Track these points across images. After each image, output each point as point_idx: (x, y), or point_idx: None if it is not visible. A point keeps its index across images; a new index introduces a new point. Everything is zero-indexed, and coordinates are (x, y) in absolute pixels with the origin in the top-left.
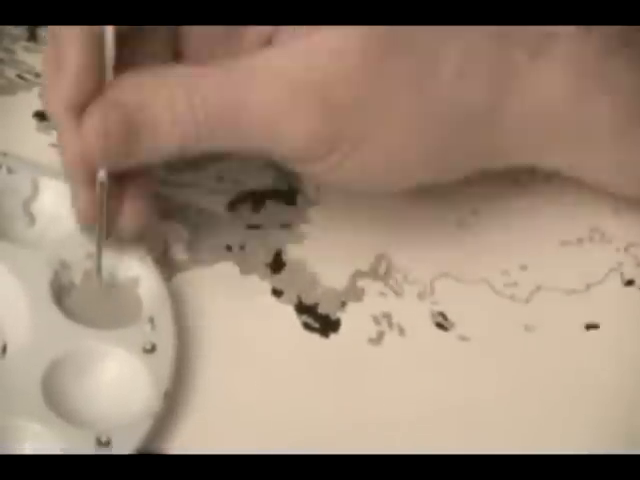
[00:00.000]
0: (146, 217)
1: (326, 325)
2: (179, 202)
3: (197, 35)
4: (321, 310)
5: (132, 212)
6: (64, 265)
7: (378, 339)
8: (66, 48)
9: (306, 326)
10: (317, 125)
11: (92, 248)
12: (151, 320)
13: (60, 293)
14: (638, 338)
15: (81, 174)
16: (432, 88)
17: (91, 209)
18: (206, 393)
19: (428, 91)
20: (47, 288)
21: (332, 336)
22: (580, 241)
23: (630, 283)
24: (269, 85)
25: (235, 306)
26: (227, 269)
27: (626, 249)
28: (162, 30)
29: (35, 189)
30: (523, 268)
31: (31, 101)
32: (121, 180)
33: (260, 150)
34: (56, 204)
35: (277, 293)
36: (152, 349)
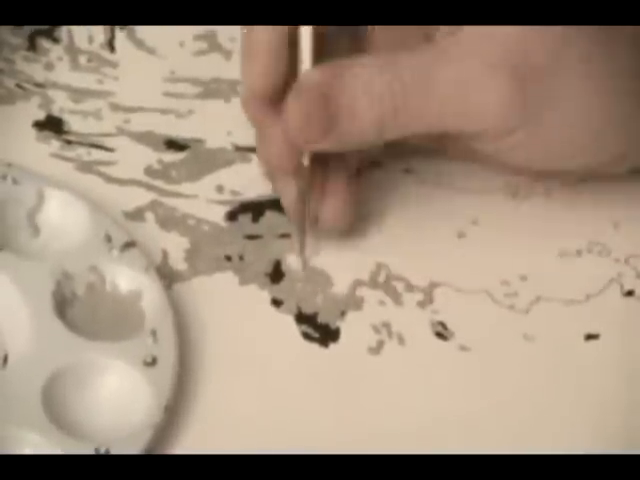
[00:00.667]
0: (347, 209)
1: (326, 335)
2: (178, 212)
3: (377, 37)
4: (321, 319)
5: (335, 202)
6: (67, 276)
7: (378, 348)
8: (258, 36)
9: (306, 336)
10: (508, 95)
11: (95, 260)
12: (153, 333)
13: (62, 305)
14: (638, 349)
15: (286, 163)
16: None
17: (299, 202)
18: (206, 404)
19: (605, 70)
20: (49, 299)
21: (332, 346)
22: (579, 252)
23: (630, 294)
24: (461, 61)
25: (234, 316)
26: (226, 279)
27: (626, 260)
28: (345, 33)
29: (40, 200)
30: (523, 278)
31: (30, 111)
32: (323, 172)
33: (451, 127)
34: (61, 215)
35: (277, 303)
36: (153, 362)
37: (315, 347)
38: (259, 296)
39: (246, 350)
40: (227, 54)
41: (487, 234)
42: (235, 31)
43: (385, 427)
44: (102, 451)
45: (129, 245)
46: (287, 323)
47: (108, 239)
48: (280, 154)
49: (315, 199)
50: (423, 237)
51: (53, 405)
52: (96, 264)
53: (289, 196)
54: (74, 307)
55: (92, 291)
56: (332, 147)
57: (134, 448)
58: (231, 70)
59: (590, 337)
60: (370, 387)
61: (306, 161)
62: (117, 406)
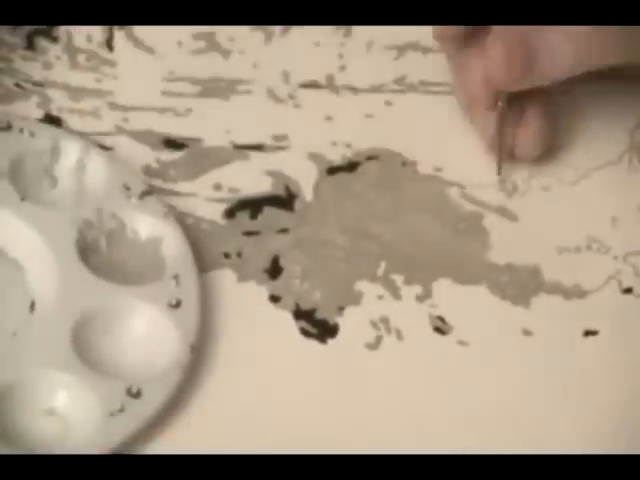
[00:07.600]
0: (544, 136)
1: (324, 330)
2: (177, 211)
3: None
4: (319, 315)
5: (530, 132)
6: (88, 224)
7: (376, 344)
8: None
9: (304, 332)
10: None
11: (115, 208)
12: (175, 277)
13: (86, 251)
14: (636, 345)
15: (484, 98)
16: None
17: (492, 131)
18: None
19: None
20: (73, 247)
21: (330, 342)
22: (578, 249)
23: (628, 291)
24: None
25: (233, 312)
26: (225, 276)
27: (624, 258)
28: None
29: (56, 151)
30: (522, 274)
31: (29, 110)
32: (519, 104)
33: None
34: (78, 166)
35: (275, 299)
36: (177, 304)
37: (313, 343)
38: (257, 292)
39: (244, 346)
40: (225, 53)
41: (486, 229)
42: (233, 30)
43: (384, 423)
44: (134, 390)
45: (147, 193)
46: (285, 319)
47: (126, 187)
48: (479, 92)
49: (511, 131)
50: (421, 231)
51: (83, 347)
52: (116, 212)
53: (487, 128)
54: (97, 254)
55: (113, 238)
56: (531, 85)
57: (164, 387)
58: (229, 69)
59: (589, 333)
60: (369, 383)
61: (503, 101)
62: (145, 347)
